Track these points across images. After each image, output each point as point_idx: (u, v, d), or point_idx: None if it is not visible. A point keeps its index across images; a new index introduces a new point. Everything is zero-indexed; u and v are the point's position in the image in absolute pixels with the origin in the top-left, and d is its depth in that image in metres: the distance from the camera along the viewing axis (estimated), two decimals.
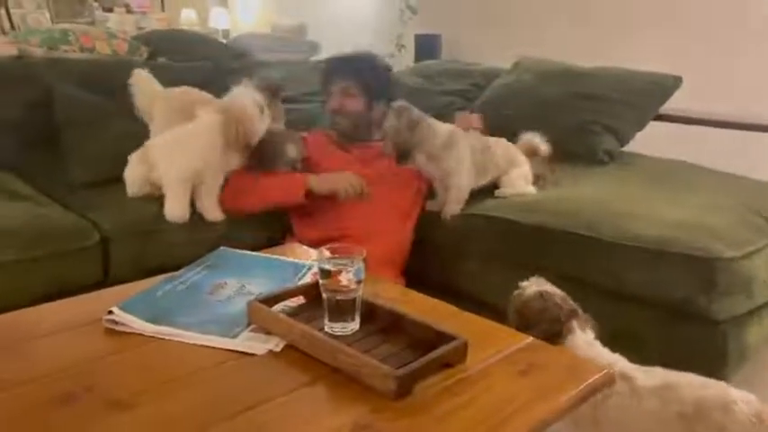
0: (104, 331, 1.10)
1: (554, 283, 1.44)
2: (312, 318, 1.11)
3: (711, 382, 1.23)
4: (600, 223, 1.78)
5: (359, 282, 1.05)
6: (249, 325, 1.12)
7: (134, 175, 1.99)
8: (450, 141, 2.01)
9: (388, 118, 2.01)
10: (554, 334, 1.32)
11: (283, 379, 0.98)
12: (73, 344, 1.07)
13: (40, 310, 1.20)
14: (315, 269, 1.13)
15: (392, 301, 1.17)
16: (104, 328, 1.11)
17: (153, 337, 1.09)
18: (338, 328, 1.07)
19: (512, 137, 2.20)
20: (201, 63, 2.73)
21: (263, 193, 2.03)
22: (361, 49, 2.37)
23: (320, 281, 1.06)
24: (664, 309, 1.66)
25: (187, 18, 7.39)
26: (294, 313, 1.14)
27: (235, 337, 1.08)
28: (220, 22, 7.47)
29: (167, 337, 1.09)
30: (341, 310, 1.07)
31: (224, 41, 4.65)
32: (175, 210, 1.91)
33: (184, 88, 2.19)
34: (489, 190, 2.09)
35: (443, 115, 2.24)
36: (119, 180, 2.01)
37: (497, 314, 1.31)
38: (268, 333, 1.09)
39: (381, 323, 1.11)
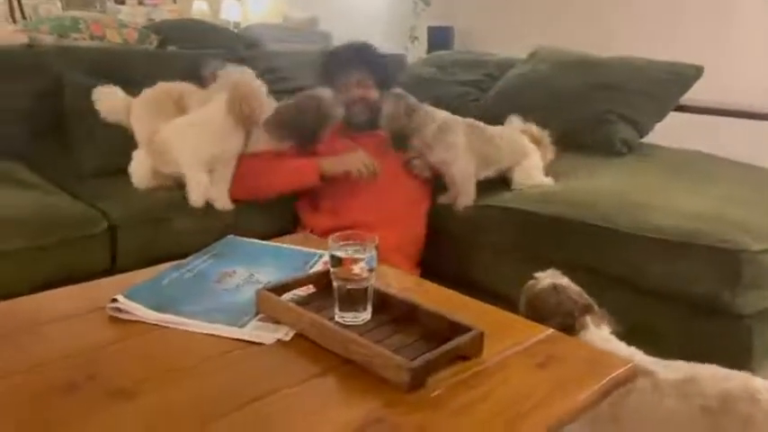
0: (108, 319, 1.07)
1: (570, 274, 1.40)
2: (322, 307, 1.08)
3: (734, 373, 1.19)
4: (617, 214, 1.75)
5: (371, 270, 1.01)
6: (257, 314, 1.08)
7: (143, 169, 1.97)
8: (443, 128, 1.98)
9: (385, 105, 2.01)
10: (566, 328, 1.26)
11: (292, 369, 0.94)
12: (76, 332, 1.04)
13: (43, 297, 1.18)
14: (326, 258, 1.09)
15: (405, 291, 1.13)
16: (108, 315, 1.08)
17: (157, 325, 1.06)
18: (349, 317, 1.04)
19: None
20: (212, 51, 2.68)
21: (277, 179, 2.00)
22: (358, 40, 2.36)
23: (331, 269, 1.03)
24: (684, 302, 1.61)
25: (199, 10, 7.36)
26: (304, 302, 1.11)
27: (242, 326, 1.05)
28: (232, 13, 7.44)
29: (172, 326, 1.05)
30: (352, 300, 1.03)
31: (235, 31, 4.63)
32: (198, 193, 1.89)
33: (159, 84, 2.13)
34: (504, 182, 2.06)
35: (456, 106, 2.20)
36: (127, 169, 1.99)
37: (513, 307, 1.28)
38: (277, 322, 1.05)
39: (394, 313, 1.07)
